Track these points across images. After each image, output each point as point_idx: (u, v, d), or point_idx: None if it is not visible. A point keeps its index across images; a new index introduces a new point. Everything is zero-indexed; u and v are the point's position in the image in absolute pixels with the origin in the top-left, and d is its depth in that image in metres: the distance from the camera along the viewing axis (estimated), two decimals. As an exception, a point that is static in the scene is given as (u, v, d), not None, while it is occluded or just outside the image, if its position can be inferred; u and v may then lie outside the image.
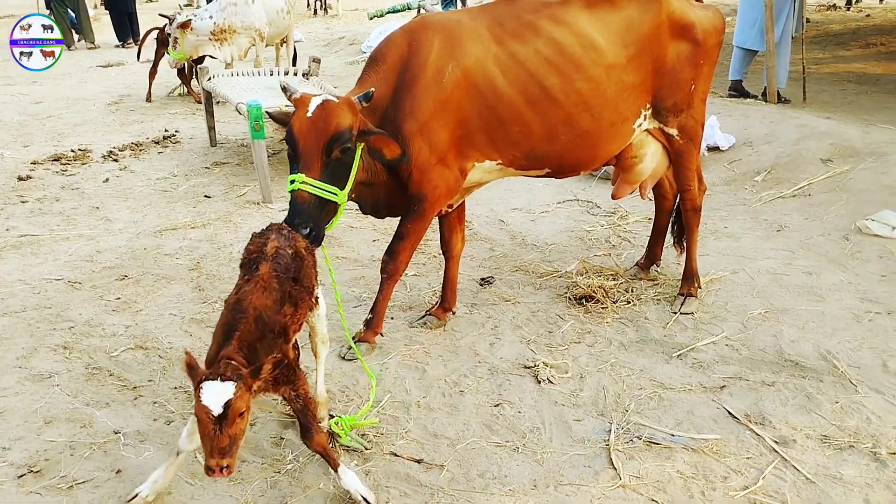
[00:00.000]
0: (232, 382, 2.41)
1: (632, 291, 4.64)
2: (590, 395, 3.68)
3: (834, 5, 16.93)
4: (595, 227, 5.79)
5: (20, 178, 6.95)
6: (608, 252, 5.31)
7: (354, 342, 3.99)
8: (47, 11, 16.65)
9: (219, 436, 2.38)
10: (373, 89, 3.59)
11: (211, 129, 8.11)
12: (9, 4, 18.60)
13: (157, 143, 8.29)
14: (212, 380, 2.41)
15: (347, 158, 3.50)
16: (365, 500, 2.89)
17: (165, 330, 4.22)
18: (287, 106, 6.43)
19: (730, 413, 3.50)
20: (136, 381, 3.74)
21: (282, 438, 3.32)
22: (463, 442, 3.33)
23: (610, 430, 3.39)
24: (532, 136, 3.89)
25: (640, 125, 4.16)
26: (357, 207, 4.11)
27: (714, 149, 7.03)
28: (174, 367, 3.85)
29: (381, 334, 4.11)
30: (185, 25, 9.17)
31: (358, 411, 3.48)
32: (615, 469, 3.14)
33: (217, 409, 2.37)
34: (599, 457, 3.24)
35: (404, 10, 14.04)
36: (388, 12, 14.09)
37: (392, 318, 4.40)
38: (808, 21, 10.54)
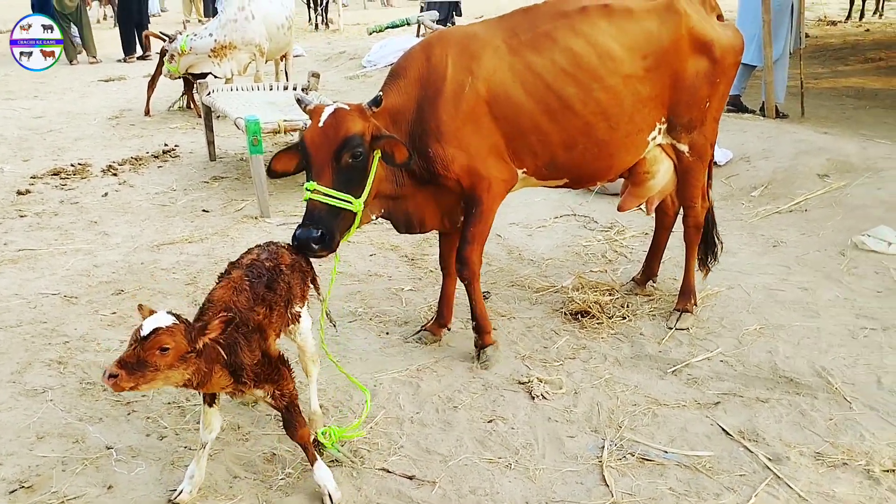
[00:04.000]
0: (172, 318, 2.53)
1: (627, 307, 4.64)
2: (583, 411, 3.67)
3: (834, 22, 16.98)
4: (592, 241, 5.79)
5: (19, 193, 6.98)
6: (604, 268, 5.30)
7: (478, 350, 4.13)
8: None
9: (131, 351, 2.47)
10: (381, 93, 3.62)
11: (210, 143, 8.15)
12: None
13: (156, 157, 8.33)
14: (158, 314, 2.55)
15: (360, 164, 3.49)
16: (330, 496, 2.96)
17: (160, 345, 4.21)
18: (285, 121, 6.48)
19: (723, 430, 3.49)
20: (130, 397, 3.73)
21: (273, 454, 3.32)
22: (455, 458, 3.32)
23: (603, 447, 3.38)
24: (551, 145, 3.93)
25: (654, 138, 4.18)
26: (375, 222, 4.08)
27: (711, 164, 7.03)
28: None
29: (495, 328, 4.23)
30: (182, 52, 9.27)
31: (350, 426, 3.47)
32: (607, 486, 3.13)
33: (145, 330, 2.49)
34: (592, 473, 3.22)
35: (403, 26, 14.11)
36: (388, 27, 14.16)
37: (387, 334, 4.40)
38: (807, 36, 10.57)
